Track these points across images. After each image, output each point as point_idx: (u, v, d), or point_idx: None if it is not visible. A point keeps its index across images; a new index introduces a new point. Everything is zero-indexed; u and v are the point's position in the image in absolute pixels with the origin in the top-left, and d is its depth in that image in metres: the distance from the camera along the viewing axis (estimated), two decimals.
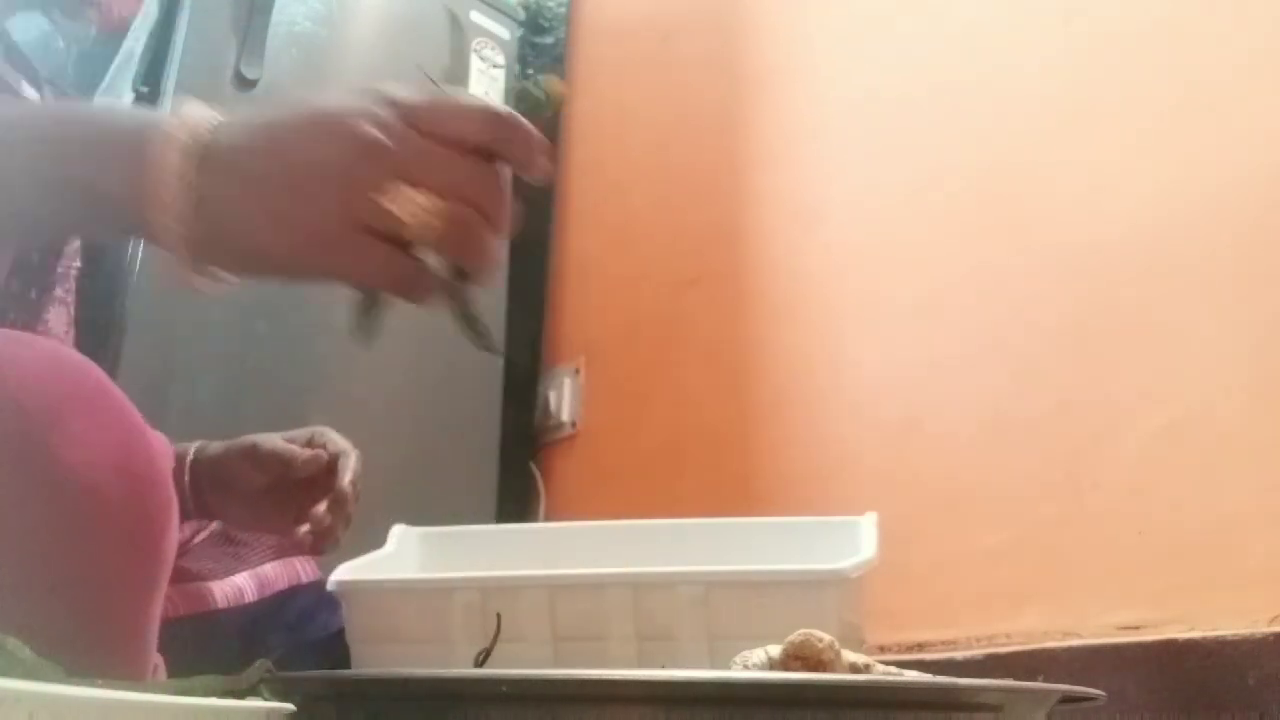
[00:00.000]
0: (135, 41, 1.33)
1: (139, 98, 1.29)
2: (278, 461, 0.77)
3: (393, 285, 0.45)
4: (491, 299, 1.58)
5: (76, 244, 0.80)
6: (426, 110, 0.46)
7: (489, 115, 0.46)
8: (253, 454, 0.77)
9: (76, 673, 0.33)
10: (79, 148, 0.46)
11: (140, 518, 0.49)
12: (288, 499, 0.79)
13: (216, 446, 0.79)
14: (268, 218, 0.43)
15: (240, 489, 0.77)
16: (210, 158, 0.43)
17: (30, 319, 0.75)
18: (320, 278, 0.46)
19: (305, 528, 0.76)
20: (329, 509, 0.76)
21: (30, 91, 0.74)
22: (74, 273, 0.81)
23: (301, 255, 0.44)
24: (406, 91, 0.47)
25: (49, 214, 0.47)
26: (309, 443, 0.80)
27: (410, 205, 0.43)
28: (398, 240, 0.44)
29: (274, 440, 0.78)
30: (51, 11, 0.92)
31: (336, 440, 0.81)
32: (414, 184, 0.44)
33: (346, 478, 0.77)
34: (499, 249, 0.46)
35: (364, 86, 0.47)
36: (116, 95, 1.31)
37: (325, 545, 0.77)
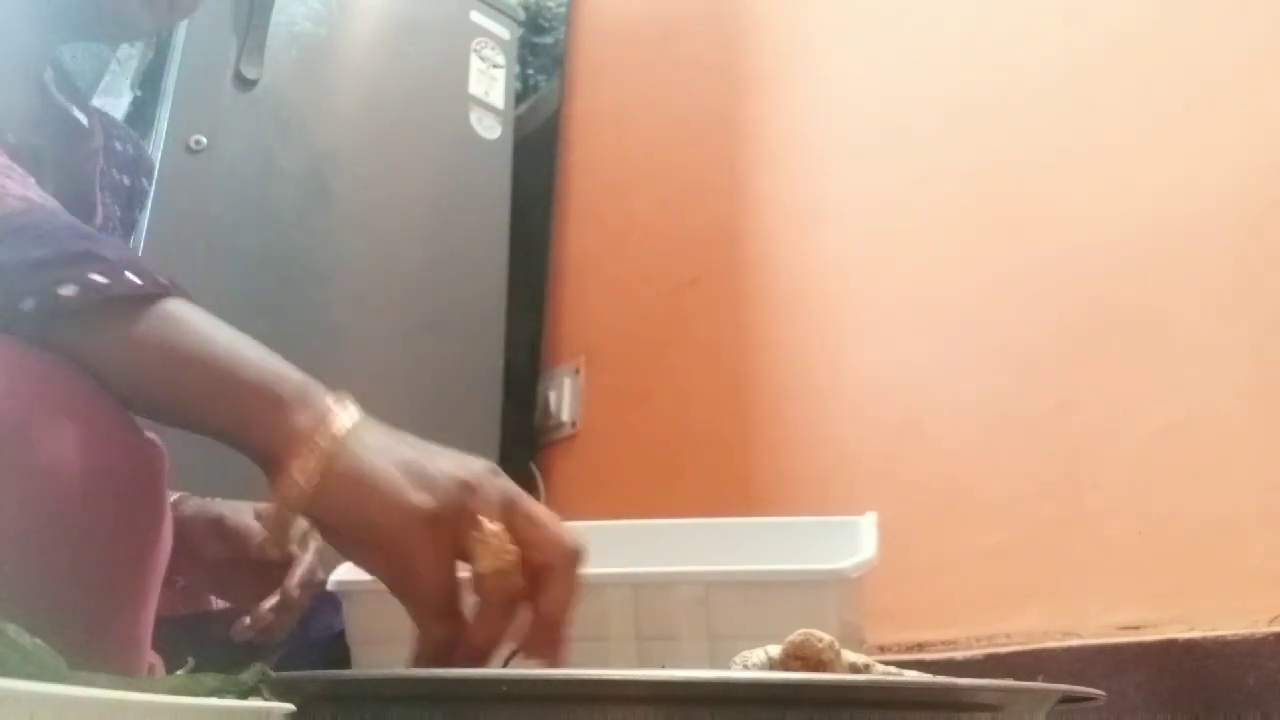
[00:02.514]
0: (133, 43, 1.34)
1: (136, 99, 1.29)
2: (240, 539, 0.76)
3: (417, 604, 0.50)
4: (491, 299, 1.58)
5: None
6: (528, 514, 0.51)
7: (568, 552, 0.51)
8: (218, 526, 0.77)
9: (76, 665, 0.33)
10: (242, 396, 0.50)
11: (126, 520, 0.49)
12: (249, 575, 0.78)
13: (189, 507, 0.78)
14: (366, 530, 0.49)
15: (204, 557, 0.76)
16: (340, 461, 0.49)
17: None
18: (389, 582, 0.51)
19: (246, 621, 0.74)
20: (275, 608, 0.75)
21: (80, 117, 0.75)
22: None
23: (379, 567, 0.50)
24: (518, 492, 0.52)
25: (194, 424, 0.51)
26: None
27: (491, 556, 0.48)
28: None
29: (241, 516, 0.77)
30: (92, 38, 0.94)
31: (300, 525, 0.79)
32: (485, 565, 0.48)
33: (295, 579, 0.76)
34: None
35: (487, 467, 0.53)
36: (115, 96, 1.31)
37: (268, 639, 0.76)
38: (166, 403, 0.50)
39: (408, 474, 0.50)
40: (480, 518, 0.49)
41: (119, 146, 0.82)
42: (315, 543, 0.78)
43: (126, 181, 0.81)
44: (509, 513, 0.50)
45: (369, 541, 0.50)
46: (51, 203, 0.54)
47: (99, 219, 0.75)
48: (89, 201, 0.74)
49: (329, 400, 0.52)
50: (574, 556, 0.51)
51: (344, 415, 0.52)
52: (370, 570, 0.51)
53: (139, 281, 0.49)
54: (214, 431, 0.50)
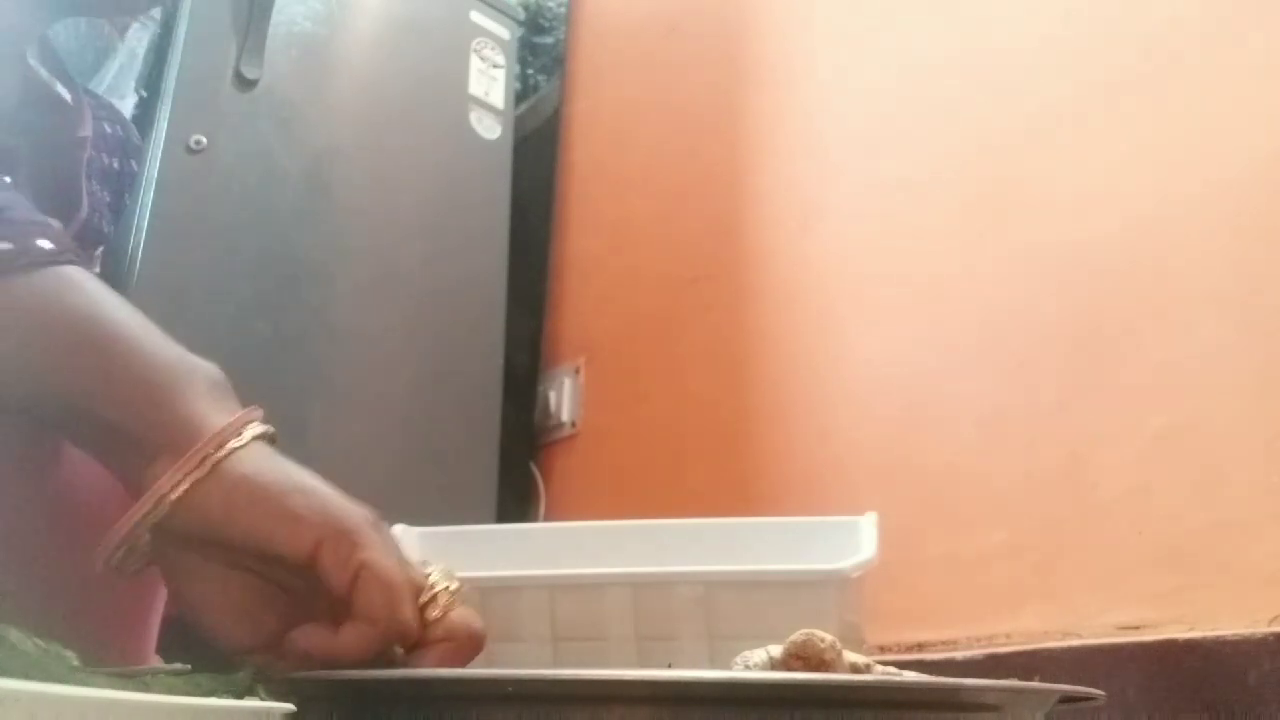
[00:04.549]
0: (138, 42, 1.33)
1: (141, 101, 1.29)
2: None
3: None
4: (491, 299, 1.58)
5: (99, 252, 0.79)
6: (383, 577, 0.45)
7: (389, 627, 0.45)
8: None
9: (84, 664, 0.33)
10: (135, 371, 0.45)
11: None
12: None
13: None
14: (249, 539, 0.44)
15: None
16: (220, 475, 0.43)
17: None
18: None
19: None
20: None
21: (64, 93, 0.74)
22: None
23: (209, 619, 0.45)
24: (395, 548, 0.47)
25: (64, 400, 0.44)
26: None
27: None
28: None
29: None
30: (90, 13, 0.91)
31: None
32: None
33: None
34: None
35: (369, 516, 0.46)
36: (118, 96, 1.31)
37: None
38: (44, 377, 0.44)
39: (301, 494, 0.45)
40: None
41: (107, 129, 0.79)
42: None
43: (116, 165, 0.79)
44: (372, 566, 0.45)
45: (250, 551, 0.44)
46: None
47: (84, 210, 0.72)
48: (73, 192, 0.71)
49: (228, 404, 0.47)
50: (394, 633, 0.45)
51: (245, 425, 0.46)
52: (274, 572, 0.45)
53: (50, 246, 0.44)
54: (84, 410, 0.44)
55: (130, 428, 0.43)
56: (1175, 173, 0.99)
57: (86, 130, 0.74)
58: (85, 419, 0.44)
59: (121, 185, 0.80)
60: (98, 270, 0.79)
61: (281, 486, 0.44)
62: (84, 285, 0.45)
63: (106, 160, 0.78)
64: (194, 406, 0.45)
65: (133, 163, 0.81)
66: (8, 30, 0.66)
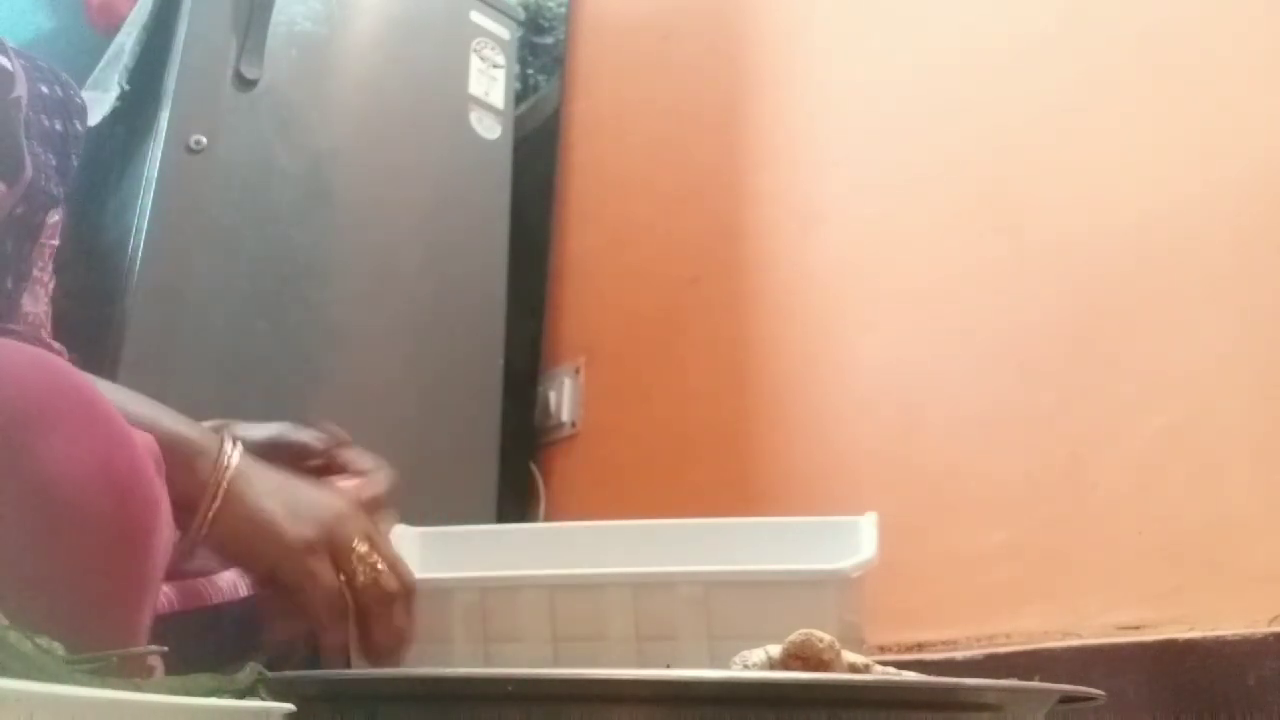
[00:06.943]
0: (127, 37, 1.33)
1: (123, 95, 1.28)
2: (299, 453, 0.80)
3: (318, 615, 0.65)
4: (491, 299, 1.58)
5: (56, 219, 0.79)
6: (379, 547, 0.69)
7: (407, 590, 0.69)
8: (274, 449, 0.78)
9: (76, 661, 0.33)
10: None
11: (125, 520, 0.49)
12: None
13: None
14: (258, 559, 0.64)
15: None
16: (234, 493, 0.62)
17: (8, 309, 0.74)
18: (277, 589, 0.66)
19: None
20: None
21: (2, 61, 0.73)
22: (48, 251, 0.79)
23: (270, 570, 0.64)
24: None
25: None
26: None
27: (366, 568, 0.65)
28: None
29: (297, 433, 0.82)
30: None
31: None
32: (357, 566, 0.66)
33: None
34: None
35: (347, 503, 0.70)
36: (103, 90, 1.31)
37: None
38: None
39: (286, 510, 0.63)
40: (352, 542, 0.64)
41: (45, 89, 0.78)
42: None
43: (59, 127, 0.78)
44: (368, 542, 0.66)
45: (261, 569, 0.64)
46: None
47: (28, 171, 0.72)
48: (15, 153, 0.71)
49: (221, 446, 0.64)
50: (411, 589, 0.67)
51: (232, 459, 0.63)
52: (267, 588, 0.65)
53: None
54: None
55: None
56: (1175, 173, 0.99)
57: (20, 91, 0.73)
58: None
59: (67, 147, 0.79)
60: (54, 242, 0.79)
61: (271, 514, 0.63)
62: None
63: (47, 122, 0.77)
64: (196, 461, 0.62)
65: (76, 124, 0.81)
66: None
